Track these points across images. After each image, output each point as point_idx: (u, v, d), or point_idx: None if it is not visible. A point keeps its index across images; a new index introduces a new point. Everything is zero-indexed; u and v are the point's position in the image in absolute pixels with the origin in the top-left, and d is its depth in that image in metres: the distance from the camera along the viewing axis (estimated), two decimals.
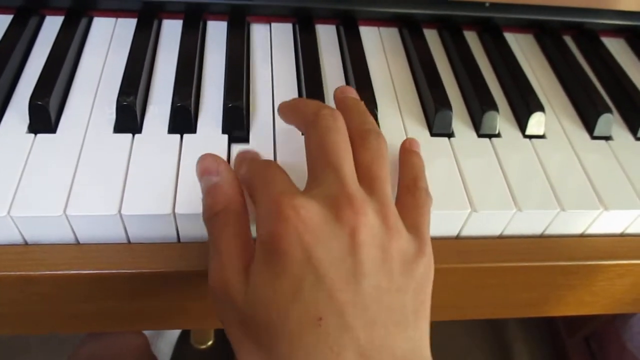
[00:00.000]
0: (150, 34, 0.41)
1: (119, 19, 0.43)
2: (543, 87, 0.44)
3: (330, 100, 0.37)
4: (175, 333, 0.95)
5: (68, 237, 0.31)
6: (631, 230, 0.37)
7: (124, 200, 0.30)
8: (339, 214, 0.25)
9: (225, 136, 0.35)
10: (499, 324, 1.13)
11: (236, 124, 0.35)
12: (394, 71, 0.43)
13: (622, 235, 0.37)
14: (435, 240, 0.34)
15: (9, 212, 0.29)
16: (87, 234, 0.31)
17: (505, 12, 0.47)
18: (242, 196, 0.29)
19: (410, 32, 0.45)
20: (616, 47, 0.49)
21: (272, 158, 0.35)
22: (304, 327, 0.23)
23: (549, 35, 0.48)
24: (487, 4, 0.46)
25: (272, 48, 0.43)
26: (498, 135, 0.39)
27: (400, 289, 0.26)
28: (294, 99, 0.34)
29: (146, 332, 0.82)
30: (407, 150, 0.34)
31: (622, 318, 0.92)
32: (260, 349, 0.25)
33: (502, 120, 0.40)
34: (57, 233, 0.31)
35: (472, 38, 0.47)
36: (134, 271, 0.31)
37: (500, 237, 0.36)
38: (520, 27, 0.49)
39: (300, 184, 0.28)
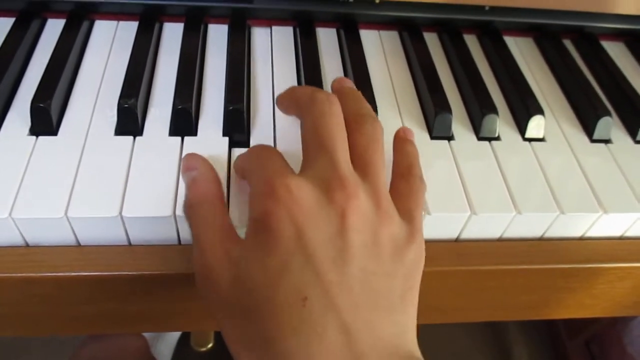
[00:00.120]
0: (152, 37, 0.41)
1: (121, 22, 0.43)
2: (543, 90, 0.44)
3: None
4: (175, 335, 0.95)
5: (69, 239, 0.31)
6: (631, 233, 0.37)
7: (125, 202, 0.31)
8: (330, 195, 0.25)
9: (226, 139, 0.35)
10: (499, 327, 1.13)
11: (237, 126, 0.35)
12: (394, 74, 0.43)
13: (621, 238, 0.37)
14: (434, 242, 0.35)
15: (10, 214, 0.29)
16: (88, 235, 0.31)
17: (505, 15, 0.47)
18: (218, 187, 0.29)
19: (410, 36, 0.45)
20: (616, 51, 0.49)
21: None
22: (290, 305, 0.24)
23: (548, 38, 0.48)
24: (487, 8, 0.46)
25: (272, 51, 0.43)
26: (498, 139, 0.39)
27: (389, 274, 0.26)
28: (290, 87, 0.34)
29: (146, 334, 0.82)
30: (402, 139, 0.34)
31: (622, 321, 0.92)
32: (246, 333, 0.25)
33: (502, 124, 0.40)
34: (58, 235, 0.31)
35: (472, 41, 0.47)
36: (134, 273, 0.31)
37: (500, 240, 0.36)
38: (520, 30, 0.49)
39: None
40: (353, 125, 0.29)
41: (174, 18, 0.44)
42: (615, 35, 0.50)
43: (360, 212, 0.26)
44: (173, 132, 0.35)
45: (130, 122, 0.35)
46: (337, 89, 0.34)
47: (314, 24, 0.46)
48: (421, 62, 0.43)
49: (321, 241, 0.25)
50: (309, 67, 0.41)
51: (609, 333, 0.95)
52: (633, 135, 0.41)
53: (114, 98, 0.35)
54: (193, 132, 0.35)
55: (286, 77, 0.41)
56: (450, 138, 0.38)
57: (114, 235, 0.31)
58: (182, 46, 0.41)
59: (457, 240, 0.35)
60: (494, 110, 0.39)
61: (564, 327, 1.07)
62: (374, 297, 0.25)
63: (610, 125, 0.40)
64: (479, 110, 0.39)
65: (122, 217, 0.30)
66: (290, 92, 0.34)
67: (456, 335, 1.09)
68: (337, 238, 0.25)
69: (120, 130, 0.35)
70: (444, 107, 0.38)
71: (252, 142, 0.36)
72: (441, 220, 0.33)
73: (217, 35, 0.44)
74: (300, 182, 0.25)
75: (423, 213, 0.32)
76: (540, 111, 0.39)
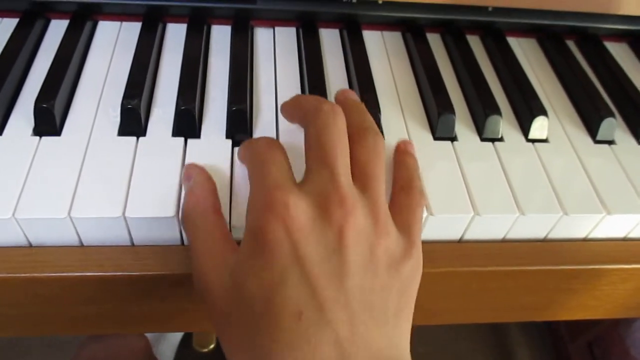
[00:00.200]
0: (155, 37, 0.41)
1: (124, 23, 0.43)
2: (546, 91, 0.44)
3: None
4: (178, 336, 0.95)
5: (72, 239, 0.32)
6: (634, 234, 0.37)
7: (128, 202, 0.31)
8: (328, 213, 0.26)
9: (229, 139, 0.35)
10: (501, 328, 1.13)
11: (240, 127, 0.35)
12: (397, 75, 0.43)
13: (625, 239, 0.37)
14: (437, 243, 0.35)
15: (13, 214, 0.29)
16: (91, 236, 0.31)
17: (508, 16, 0.47)
18: (215, 197, 0.30)
19: (414, 36, 0.45)
20: (619, 52, 0.49)
21: None
22: (285, 319, 0.24)
23: (552, 39, 0.48)
24: (490, 9, 0.46)
25: (275, 52, 0.43)
26: (501, 140, 0.39)
27: (385, 289, 0.26)
28: (295, 96, 0.34)
29: (148, 335, 0.82)
30: (402, 152, 0.34)
31: (625, 323, 0.92)
32: (241, 343, 0.25)
33: (505, 125, 0.40)
34: (61, 235, 0.31)
35: (475, 42, 0.47)
36: (137, 273, 0.31)
37: (503, 241, 0.36)
38: (523, 31, 0.49)
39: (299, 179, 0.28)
40: (355, 137, 0.30)
41: (177, 19, 0.44)
42: (619, 36, 0.50)
43: (358, 229, 0.26)
44: (176, 132, 0.35)
45: (133, 122, 0.35)
46: (341, 100, 0.35)
47: (317, 25, 0.46)
48: (424, 62, 0.43)
49: (318, 258, 0.25)
50: (311, 68, 0.41)
51: (611, 335, 0.94)
52: (637, 136, 0.41)
53: (117, 99, 0.35)
54: (196, 132, 0.35)
55: (289, 77, 0.41)
56: (453, 139, 0.38)
57: (117, 235, 0.31)
58: (185, 47, 0.41)
59: (460, 241, 0.35)
60: (497, 111, 0.39)
61: (566, 328, 1.07)
62: (370, 311, 0.25)
63: (614, 127, 0.40)
64: (482, 111, 0.39)
65: (125, 218, 0.30)
66: (294, 100, 0.34)
67: (458, 336, 1.09)
68: (334, 255, 0.25)
69: (124, 130, 0.35)
70: (447, 108, 0.38)
71: None
72: (444, 221, 0.33)
73: (220, 36, 0.44)
74: (299, 199, 0.26)
75: (426, 214, 0.32)
76: (543, 112, 0.39)
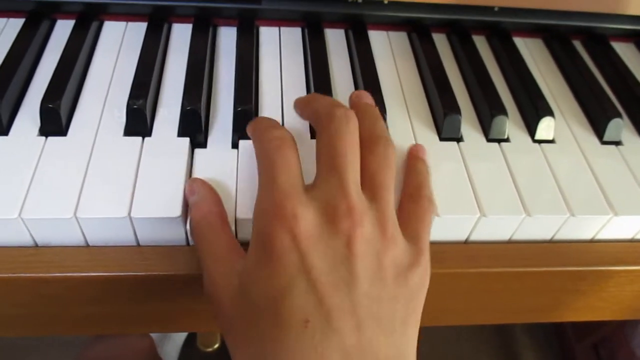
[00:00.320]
0: (161, 37, 0.41)
1: (130, 23, 0.44)
2: (552, 91, 0.44)
3: None
4: (182, 336, 0.95)
5: (78, 240, 0.32)
6: None
7: (134, 203, 0.31)
8: (336, 222, 0.26)
9: (235, 138, 0.35)
10: (507, 329, 1.13)
11: (245, 127, 0.35)
12: (402, 75, 0.43)
13: (632, 240, 0.37)
14: (443, 244, 0.35)
15: (20, 214, 0.30)
16: (97, 236, 0.32)
17: (514, 16, 0.47)
18: (219, 207, 0.30)
19: (419, 37, 0.45)
20: (626, 52, 0.49)
21: None
22: (291, 327, 0.24)
23: (558, 39, 0.48)
24: (496, 9, 0.46)
25: (281, 52, 0.43)
26: (507, 140, 0.39)
27: (392, 298, 0.26)
28: (310, 94, 0.34)
29: (153, 335, 0.82)
30: (414, 157, 0.34)
31: (631, 324, 0.91)
32: (247, 348, 0.26)
33: (511, 125, 0.40)
34: (67, 235, 0.31)
35: (481, 42, 0.47)
36: (142, 274, 0.31)
37: (509, 242, 0.36)
38: (530, 31, 0.49)
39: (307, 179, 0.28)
40: (367, 144, 0.30)
41: (182, 19, 0.44)
42: (625, 36, 0.50)
43: (365, 239, 0.26)
44: (182, 132, 0.35)
45: (139, 122, 0.35)
46: (355, 103, 0.34)
47: (323, 25, 0.46)
48: (430, 63, 0.42)
49: (325, 267, 0.25)
50: (317, 68, 0.41)
51: (617, 336, 0.94)
52: None
53: (123, 99, 0.35)
54: (202, 132, 0.35)
55: (294, 77, 0.41)
56: (459, 139, 0.38)
57: (122, 235, 0.31)
58: (191, 47, 0.41)
59: (466, 242, 0.35)
60: (503, 111, 0.38)
61: (572, 329, 1.06)
62: (377, 320, 0.25)
63: (621, 127, 0.40)
64: (488, 112, 0.39)
65: (130, 218, 0.30)
66: (309, 100, 0.34)
67: (463, 337, 1.09)
68: (341, 265, 0.25)
69: (129, 130, 0.35)
70: (453, 108, 0.38)
71: None
72: (450, 222, 0.33)
73: (226, 36, 0.44)
74: (307, 208, 0.26)
75: (432, 215, 0.32)
76: (550, 112, 0.39)
